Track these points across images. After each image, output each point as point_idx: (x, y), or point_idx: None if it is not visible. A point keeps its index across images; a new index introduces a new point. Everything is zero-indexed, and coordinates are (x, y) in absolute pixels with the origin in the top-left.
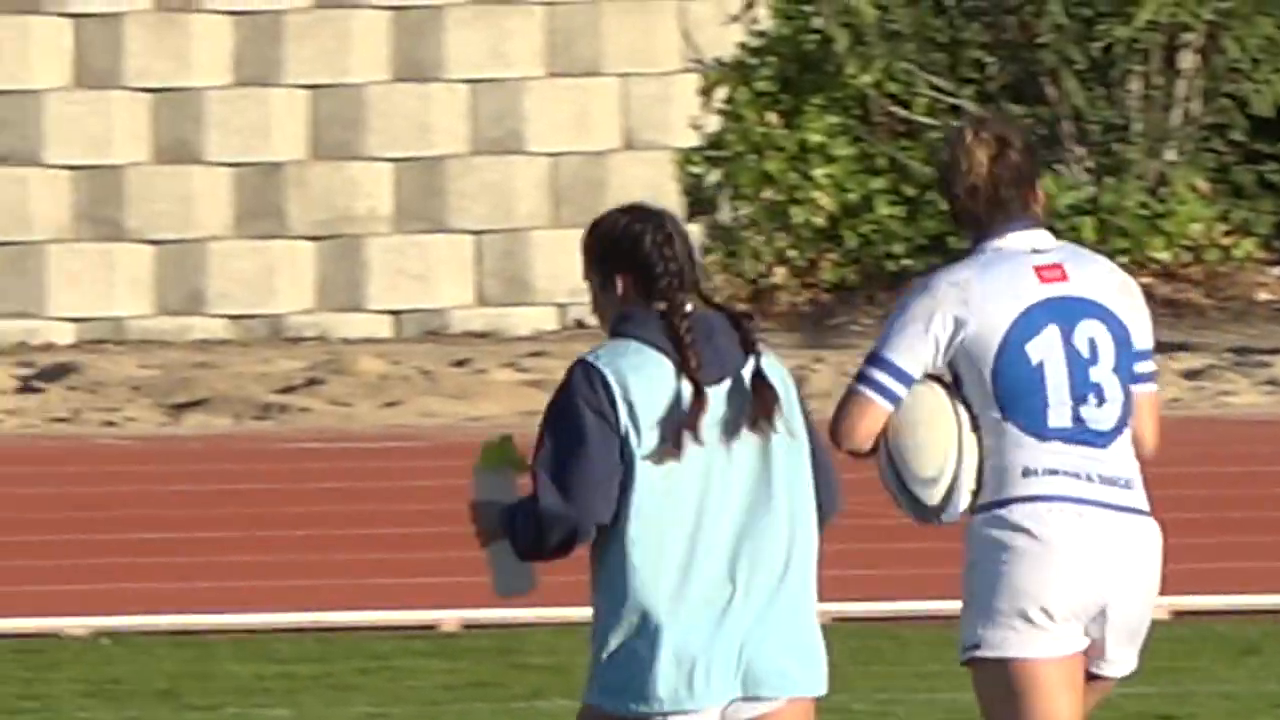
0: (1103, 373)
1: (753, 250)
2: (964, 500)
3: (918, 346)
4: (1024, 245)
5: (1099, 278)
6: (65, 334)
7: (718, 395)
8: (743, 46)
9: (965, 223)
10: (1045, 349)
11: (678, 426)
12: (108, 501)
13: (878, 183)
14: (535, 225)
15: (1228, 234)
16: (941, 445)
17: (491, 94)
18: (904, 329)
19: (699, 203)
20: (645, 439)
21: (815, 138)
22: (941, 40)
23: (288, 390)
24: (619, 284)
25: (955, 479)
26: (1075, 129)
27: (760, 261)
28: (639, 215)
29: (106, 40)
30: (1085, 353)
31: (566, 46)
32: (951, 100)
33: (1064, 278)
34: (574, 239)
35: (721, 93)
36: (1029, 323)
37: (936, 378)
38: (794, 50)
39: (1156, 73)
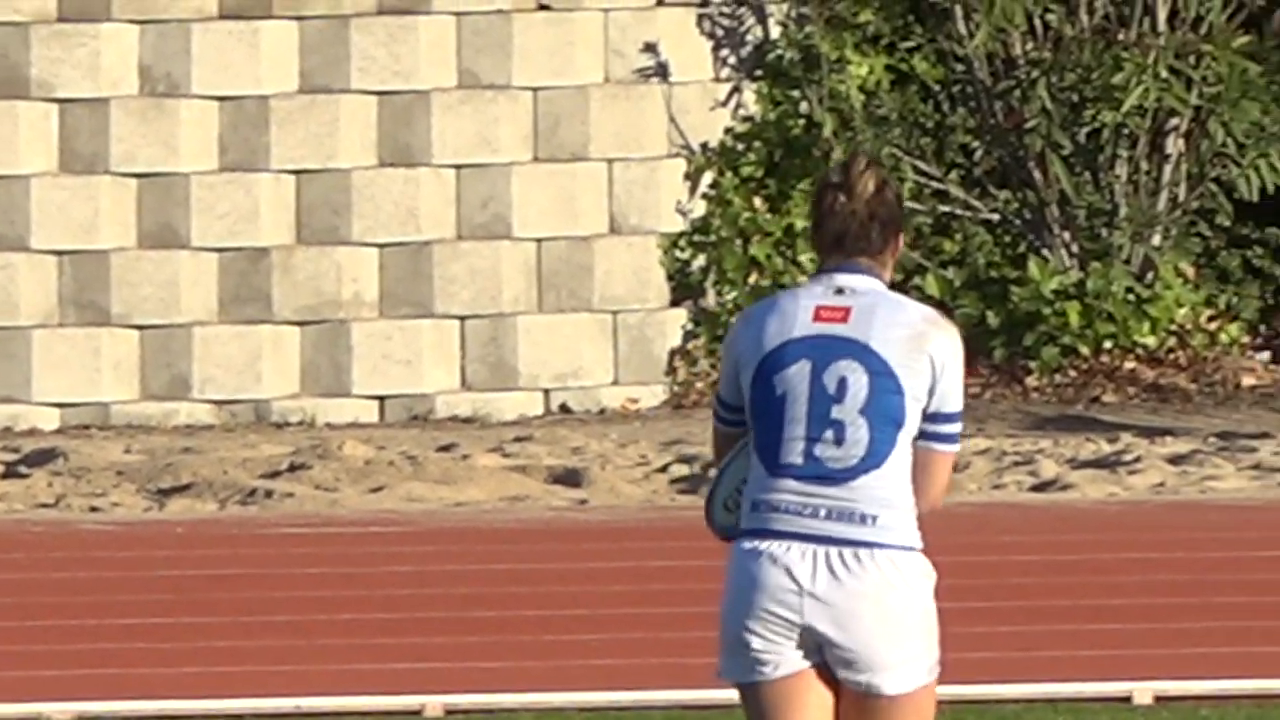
0: (847, 412)
1: None
2: (718, 516)
3: (728, 375)
4: (832, 285)
5: (886, 325)
6: (50, 419)
7: None
8: (729, 132)
9: (815, 249)
10: (791, 383)
11: None
12: (93, 586)
13: None
14: (521, 310)
15: (1213, 319)
16: (721, 466)
17: (478, 179)
18: (722, 362)
19: (685, 287)
20: None
21: (801, 222)
22: (928, 125)
23: (273, 475)
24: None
25: (711, 495)
26: (1061, 214)
27: None
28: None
29: (93, 125)
30: (832, 390)
31: (553, 132)
32: (937, 185)
33: (843, 320)
34: (559, 324)
35: (707, 178)
36: (783, 356)
37: None
38: (780, 135)
39: (1143, 158)
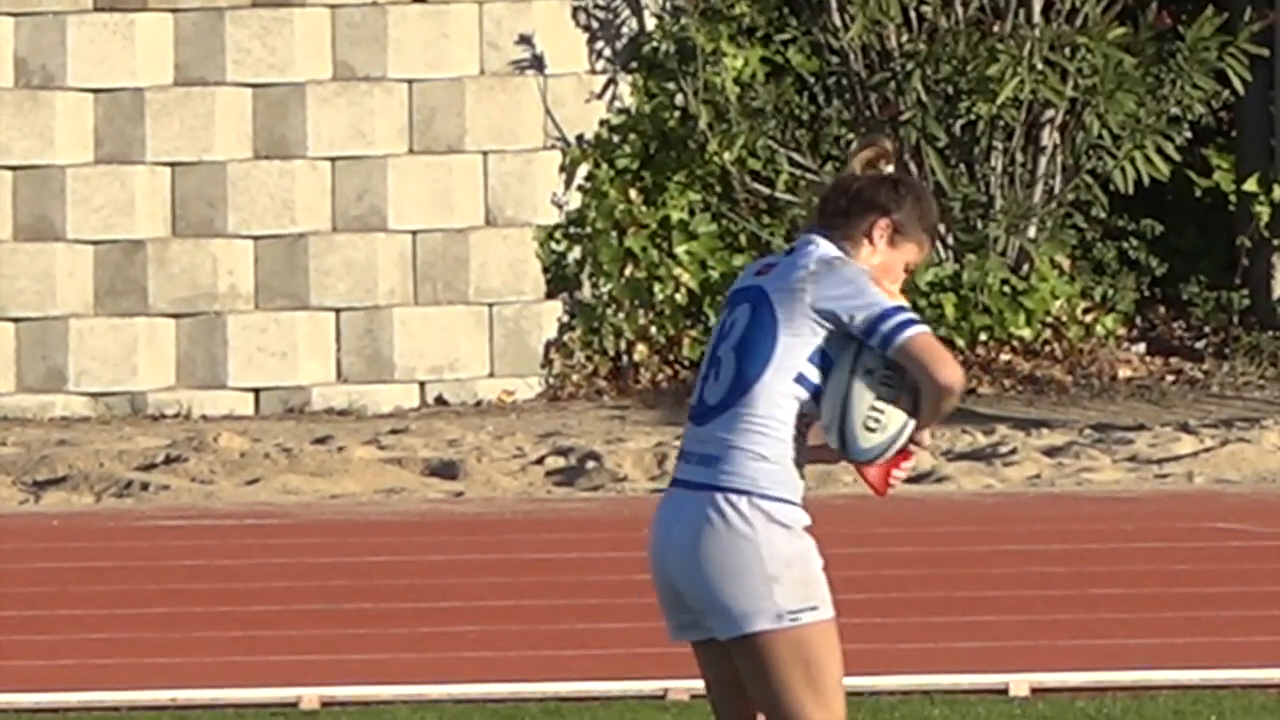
0: (725, 350)
1: (614, 327)
2: (860, 441)
3: None
4: (793, 244)
5: (786, 269)
6: None
7: None
8: (604, 124)
9: None
10: (714, 331)
11: None
12: None
13: (739, 259)
14: (396, 302)
15: (1089, 311)
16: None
17: (353, 171)
18: None
19: (560, 279)
20: None
21: (677, 215)
22: (803, 117)
23: (148, 467)
24: None
25: (841, 425)
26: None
27: (621, 339)
28: None
29: None
30: (726, 330)
31: (428, 124)
32: (813, 177)
33: (767, 272)
34: (435, 315)
35: (583, 170)
36: (726, 308)
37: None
38: (655, 127)
39: (1018, 150)
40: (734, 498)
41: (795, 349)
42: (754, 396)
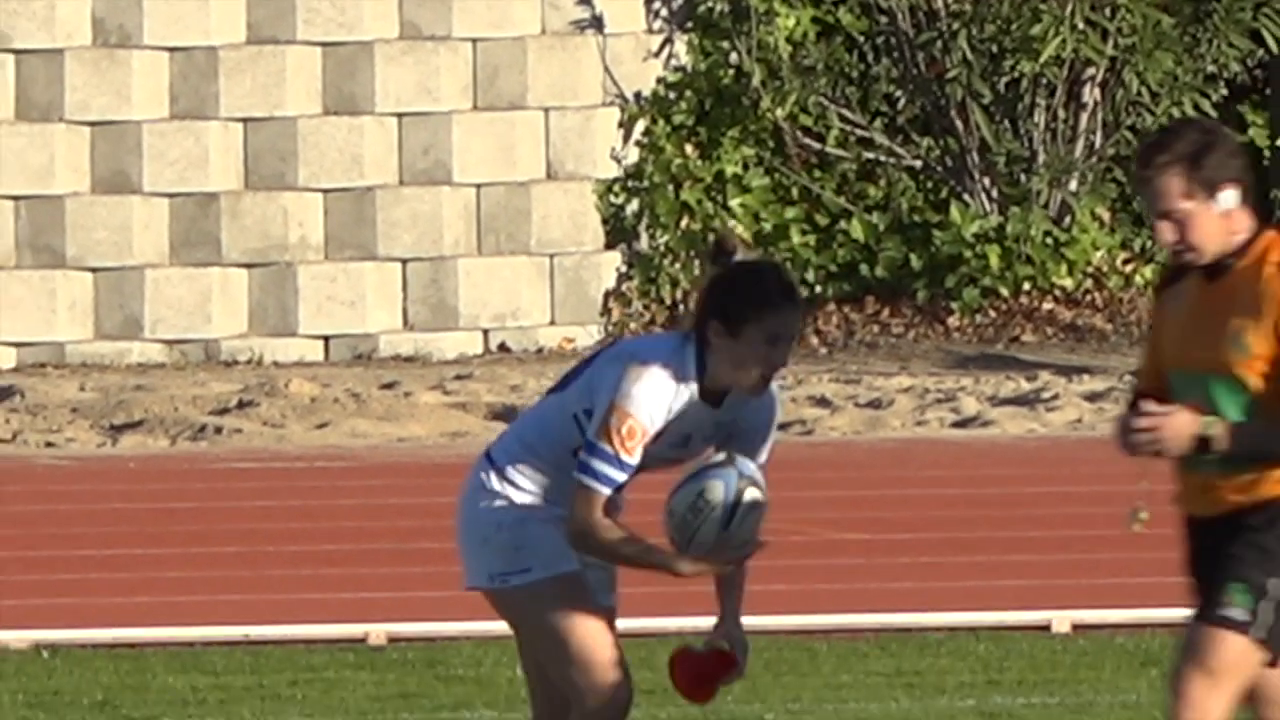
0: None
1: (670, 277)
2: None
3: None
4: None
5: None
6: (8, 358)
7: None
8: (661, 82)
9: None
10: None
11: None
12: (48, 519)
13: (791, 212)
14: (461, 253)
15: (1128, 262)
16: None
17: (420, 127)
18: None
19: (619, 231)
20: None
21: (731, 169)
22: (853, 75)
23: (222, 412)
24: None
25: None
26: (982, 161)
27: (678, 288)
28: None
29: (48, 75)
30: None
31: (492, 81)
32: (862, 133)
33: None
34: (498, 266)
35: (641, 126)
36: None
37: None
38: (711, 85)
39: (1060, 106)
40: (488, 465)
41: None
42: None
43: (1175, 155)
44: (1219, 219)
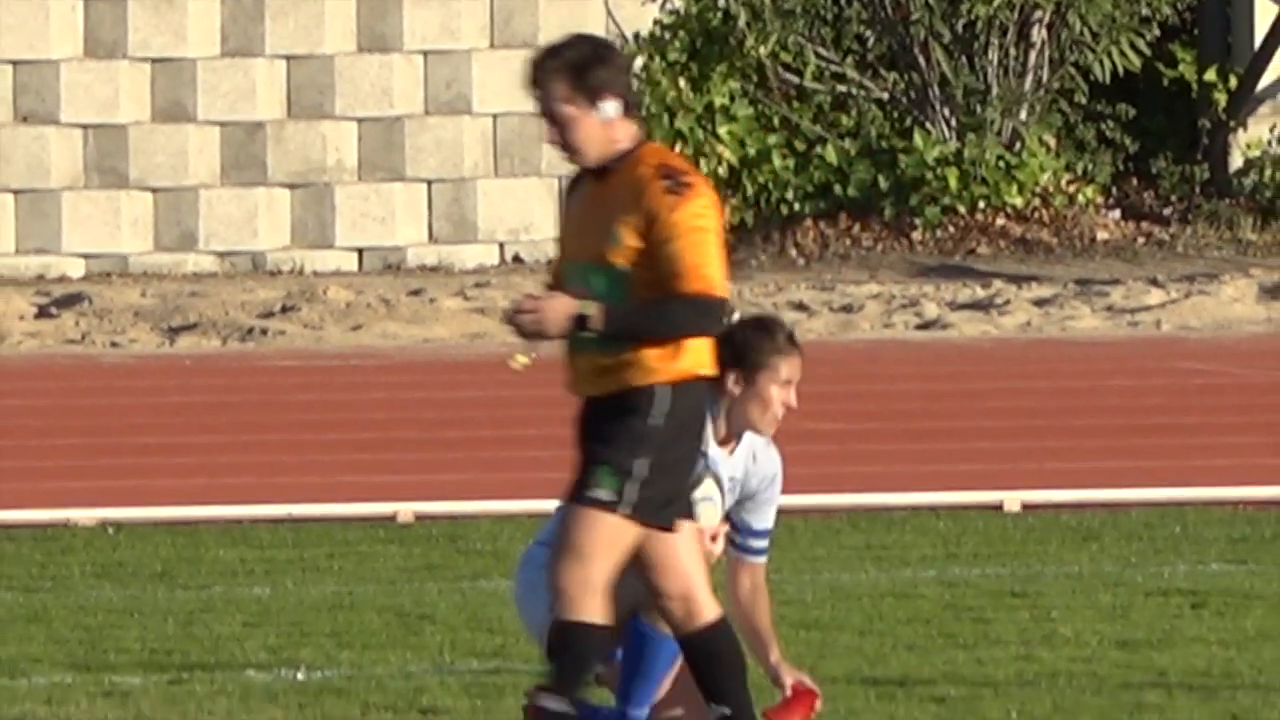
0: None
1: None
2: None
3: None
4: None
5: None
6: (77, 268)
7: None
8: (658, 23)
9: None
10: None
11: None
12: (113, 411)
13: (773, 139)
14: (480, 175)
15: (1072, 183)
16: None
17: (443, 63)
18: None
19: None
20: None
21: (719, 100)
22: (828, 17)
23: (267, 316)
24: None
25: None
26: (942, 93)
27: None
28: None
29: (113, 17)
30: None
31: (507, 23)
32: (836, 68)
33: None
34: (512, 187)
35: (639, 62)
36: None
37: None
38: (701, 26)
39: (1012, 45)
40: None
41: None
42: None
43: (563, 62)
44: (600, 126)
